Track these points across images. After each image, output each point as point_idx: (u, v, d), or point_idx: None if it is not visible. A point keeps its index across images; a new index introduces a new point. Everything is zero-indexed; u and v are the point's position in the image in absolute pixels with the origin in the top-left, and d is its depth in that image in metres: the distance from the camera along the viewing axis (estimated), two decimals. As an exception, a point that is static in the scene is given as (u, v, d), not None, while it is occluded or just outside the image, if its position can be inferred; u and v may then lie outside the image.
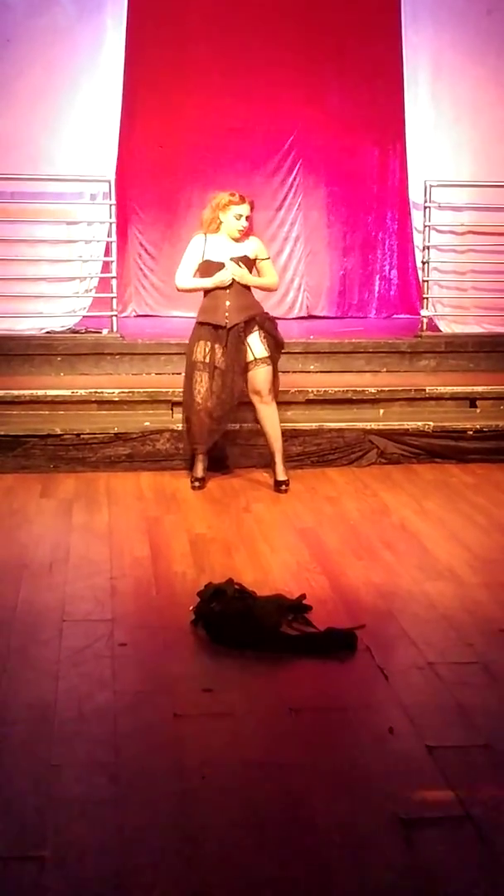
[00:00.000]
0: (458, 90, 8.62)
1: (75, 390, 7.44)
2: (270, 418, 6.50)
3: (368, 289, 10.34)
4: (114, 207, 8.39)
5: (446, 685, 3.86)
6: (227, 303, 6.35)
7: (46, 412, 7.33)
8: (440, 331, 8.68)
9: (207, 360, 6.38)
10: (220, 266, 6.32)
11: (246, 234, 6.40)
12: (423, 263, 8.70)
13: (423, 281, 8.74)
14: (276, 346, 6.50)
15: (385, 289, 10.36)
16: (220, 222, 6.35)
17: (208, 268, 6.36)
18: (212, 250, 6.37)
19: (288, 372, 7.97)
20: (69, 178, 8.31)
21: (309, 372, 8.11)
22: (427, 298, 8.68)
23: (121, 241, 9.02)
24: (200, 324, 6.45)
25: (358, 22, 9.61)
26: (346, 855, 2.86)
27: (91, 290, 8.58)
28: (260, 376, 6.42)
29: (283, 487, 6.47)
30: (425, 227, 8.60)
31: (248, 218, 6.36)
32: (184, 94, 9.59)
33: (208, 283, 6.35)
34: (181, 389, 6.70)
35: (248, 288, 6.44)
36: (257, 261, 6.46)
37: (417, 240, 8.87)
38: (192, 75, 9.57)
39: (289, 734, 3.54)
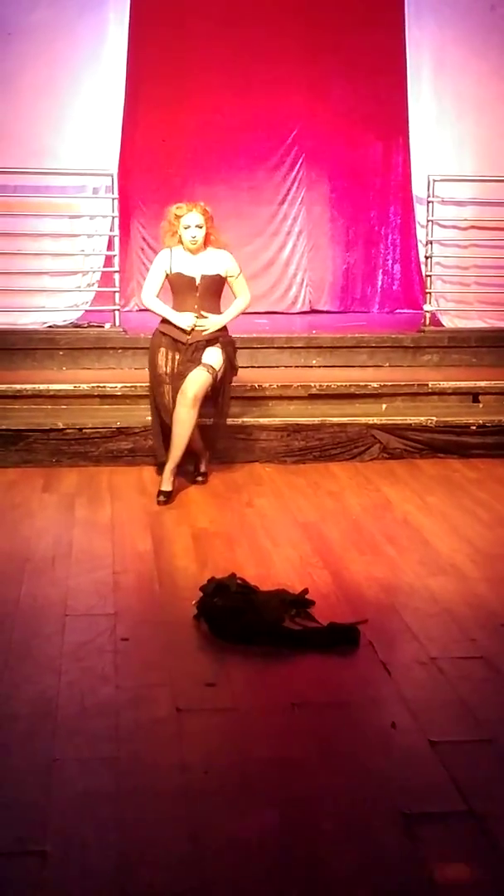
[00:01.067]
0: (462, 85, 8.61)
1: (77, 385, 7.43)
2: (182, 424, 6.07)
3: (371, 283, 10.32)
4: (116, 201, 8.39)
5: (449, 680, 3.85)
6: (194, 318, 6.16)
7: (49, 406, 7.32)
8: (443, 325, 8.67)
9: (169, 370, 6.18)
10: (191, 281, 6.13)
11: (206, 242, 6.17)
12: (426, 258, 8.69)
13: (426, 276, 8.74)
14: (231, 368, 6.31)
15: (388, 283, 10.35)
16: (180, 235, 6.16)
17: (179, 281, 6.17)
18: (179, 263, 6.16)
19: (290, 367, 8.01)
20: (72, 171, 8.30)
21: (311, 366, 8.11)
22: (430, 293, 8.67)
23: (123, 236, 9.01)
24: (162, 333, 6.23)
25: (361, 16, 9.58)
26: (348, 850, 2.86)
27: (93, 284, 8.59)
28: (193, 377, 6.08)
29: (161, 499, 6.06)
30: (428, 221, 8.59)
31: (200, 226, 6.10)
32: (186, 88, 9.58)
33: (170, 317, 6.16)
34: None
35: (217, 302, 6.24)
36: (228, 278, 6.24)
37: (420, 234, 8.87)
38: (194, 69, 9.55)
39: (291, 729, 3.54)
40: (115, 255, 8.42)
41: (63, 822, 2.96)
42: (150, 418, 6.85)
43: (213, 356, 6.17)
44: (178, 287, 6.20)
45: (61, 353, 8.00)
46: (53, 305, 8.46)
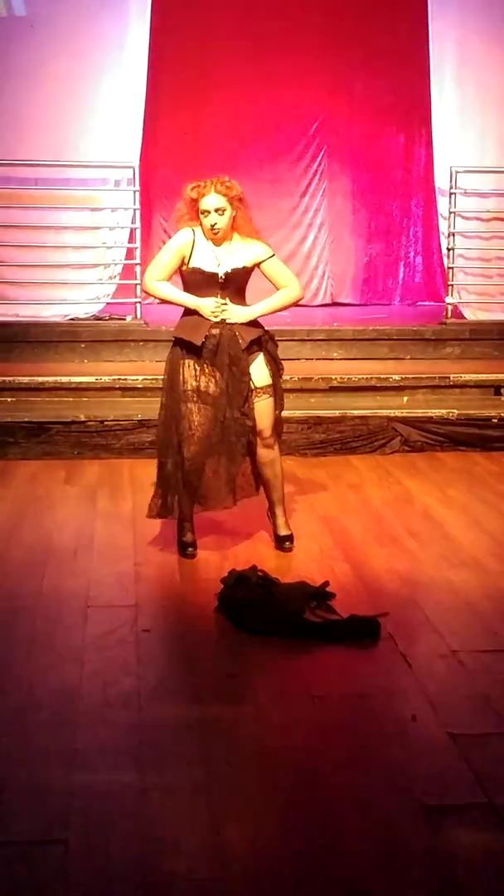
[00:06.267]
0: (484, 76, 8.58)
1: (99, 377, 7.45)
2: (272, 464, 5.09)
3: (393, 276, 10.30)
4: (138, 194, 8.41)
5: (469, 673, 3.85)
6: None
7: (70, 399, 7.36)
8: (465, 318, 8.64)
9: (196, 385, 4.91)
10: (213, 276, 4.88)
11: (234, 228, 4.91)
12: (448, 250, 8.67)
13: (448, 268, 8.71)
14: (278, 371, 5.11)
15: (409, 276, 10.32)
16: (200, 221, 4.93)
17: (196, 277, 4.91)
18: (201, 253, 4.89)
19: (311, 359, 7.99)
20: (94, 164, 8.32)
21: (332, 359, 8.09)
22: (452, 285, 8.65)
23: (145, 228, 9.01)
24: (183, 346, 4.93)
25: (383, 8, 9.55)
26: (369, 840, 2.87)
27: (115, 276, 8.61)
28: (261, 410, 4.99)
29: (287, 545, 5.12)
30: (451, 213, 8.56)
31: (221, 210, 4.83)
32: (208, 81, 9.57)
33: (187, 301, 4.94)
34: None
35: (242, 296, 5.01)
36: (261, 265, 4.99)
37: (443, 226, 8.84)
38: (216, 62, 9.54)
39: (311, 720, 3.55)
40: (136, 248, 8.43)
41: (85, 811, 2.98)
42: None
43: (261, 372, 5.00)
44: (196, 284, 4.93)
45: (83, 345, 8.02)
46: (75, 298, 8.49)
